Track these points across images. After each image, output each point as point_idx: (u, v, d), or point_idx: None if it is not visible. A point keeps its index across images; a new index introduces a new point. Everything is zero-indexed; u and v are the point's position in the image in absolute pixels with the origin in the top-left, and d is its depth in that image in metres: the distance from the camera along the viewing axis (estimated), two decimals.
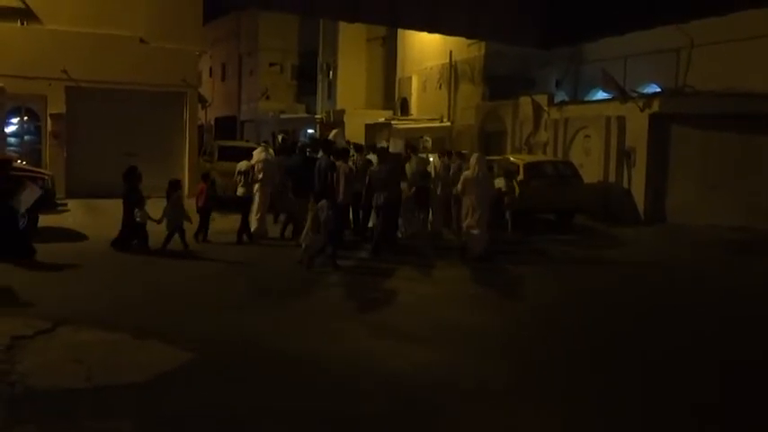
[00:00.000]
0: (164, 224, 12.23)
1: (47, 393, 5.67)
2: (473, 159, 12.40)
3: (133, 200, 11.94)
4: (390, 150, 16.17)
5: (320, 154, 13.97)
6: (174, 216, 12.29)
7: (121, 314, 8.04)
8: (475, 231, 11.97)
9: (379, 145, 19.17)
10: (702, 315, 9.24)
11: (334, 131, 21.32)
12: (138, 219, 11.94)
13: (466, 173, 12.18)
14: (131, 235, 12.11)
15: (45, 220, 13.23)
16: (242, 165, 13.78)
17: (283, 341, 7.33)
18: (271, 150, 15.17)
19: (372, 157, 14.52)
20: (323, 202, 11.08)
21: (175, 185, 12.69)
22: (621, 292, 10.57)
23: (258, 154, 14.07)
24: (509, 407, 5.79)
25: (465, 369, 6.68)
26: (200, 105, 24.78)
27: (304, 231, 11.22)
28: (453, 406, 5.74)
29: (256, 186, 13.71)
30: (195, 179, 19.69)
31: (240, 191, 13.59)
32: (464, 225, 12.24)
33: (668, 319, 9.01)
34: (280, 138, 27.47)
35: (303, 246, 11.13)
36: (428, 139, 22.49)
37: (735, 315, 9.25)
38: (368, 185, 13.01)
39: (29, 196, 11.32)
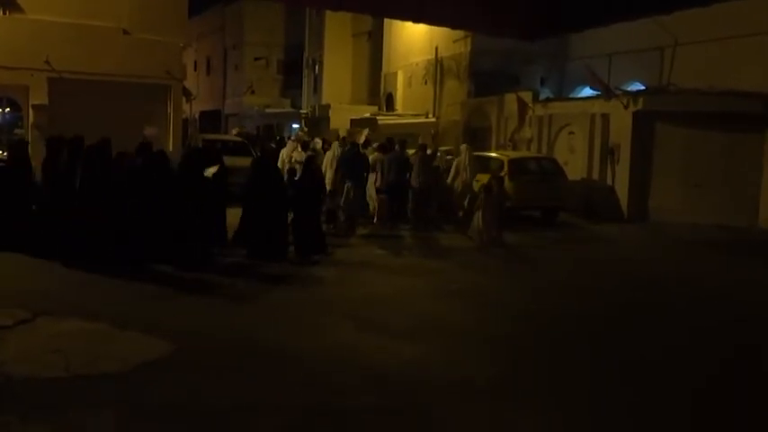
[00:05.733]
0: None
1: (26, 383, 5.61)
2: (462, 148, 14.59)
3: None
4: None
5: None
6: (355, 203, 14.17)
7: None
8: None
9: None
10: (687, 315, 9.30)
11: (365, 132, 21.95)
12: (325, 207, 13.41)
13: (458, 158, 14.41)
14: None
15: None
16: (300, 156, 15.59)
17: (269, 335, 7.28)
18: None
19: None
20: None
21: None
22: (606, 289, 10.60)
23: (318, 147, 16.73)
24: (495, 402, 5.79)
25: (451, 364, 6.66)
26: (184, 98, 24.60)
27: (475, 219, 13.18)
28: (439, 401, 5.72)
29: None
30: None
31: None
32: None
33: (653, 316, 9.07)
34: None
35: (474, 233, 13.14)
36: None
37: (719, 316, 9.33)
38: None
39: None
